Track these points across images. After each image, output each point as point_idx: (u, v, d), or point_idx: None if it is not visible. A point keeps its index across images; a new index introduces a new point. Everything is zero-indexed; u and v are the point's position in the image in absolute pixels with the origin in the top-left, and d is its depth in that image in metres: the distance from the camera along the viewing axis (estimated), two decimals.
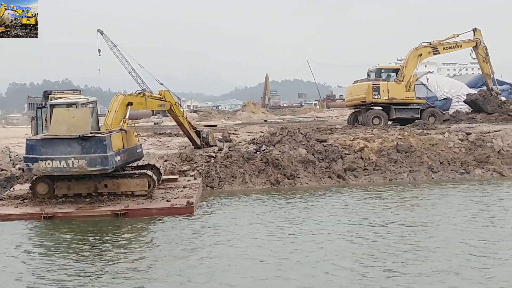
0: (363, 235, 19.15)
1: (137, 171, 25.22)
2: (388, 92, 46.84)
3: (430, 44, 48.76)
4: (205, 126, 48.26)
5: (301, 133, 33.32)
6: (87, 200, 23.93)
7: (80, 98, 27.43)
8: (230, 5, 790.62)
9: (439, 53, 49.60)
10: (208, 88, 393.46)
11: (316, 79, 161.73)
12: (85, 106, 25.33)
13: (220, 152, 32.03)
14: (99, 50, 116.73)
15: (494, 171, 32.13)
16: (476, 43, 49.26)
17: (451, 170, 32.05)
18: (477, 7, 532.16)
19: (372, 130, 38.74)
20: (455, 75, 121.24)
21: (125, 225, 21.29)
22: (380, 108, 47.71)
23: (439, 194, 27.04)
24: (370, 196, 26.78)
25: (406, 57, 49.64)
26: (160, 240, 19.26)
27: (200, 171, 30.44)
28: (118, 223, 21.54)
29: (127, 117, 26.32)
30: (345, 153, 32.28)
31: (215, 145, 34.35)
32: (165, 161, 31.39)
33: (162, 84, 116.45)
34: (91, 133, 22.92)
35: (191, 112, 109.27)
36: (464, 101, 51.41)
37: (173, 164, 31.25)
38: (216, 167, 30.64)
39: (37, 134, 29.04)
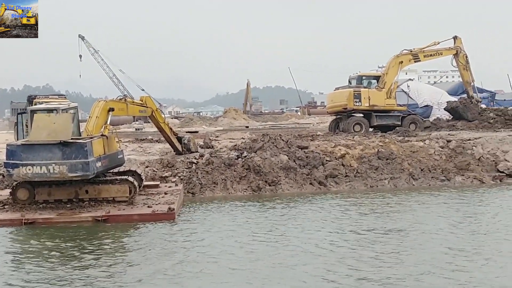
0: (339, 242, 19.16)
1: (118, 177, 25.13)
2: (369, 99, 47.07)
3: (411, 51, 49.08)
4: (186, 132, 48.30)
5: (283, 140, 33.37)
6: (68, 206, 23.81)
7: (62, 104, 27.32)
8: (211, 11, 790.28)
9: (419, 60, 49.98)
10: (189, 94, 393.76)
11: (297, 85, 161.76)
12: (66, 112, 25.22)
13: (202, 158, 32.01)
14: (80, 56, 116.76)
15: (474, 178, 32.28)
16: (457, 50, 49.60)
17: (432, 177, 32.17)
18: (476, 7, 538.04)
19: (353, 137, 38.84)
20: (436, 82, 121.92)
21: (105, 231, 21.21)
22: (361, 115, 47.89)
23: (419, 201, 27.11)
24: (350, 203, 26.81)
25: (387, 64, 49.91)
26: (138, 246, 19.19)
27: (181, 177, 30.40)
28: (99, 229, 21.46)
29: (108, 123, 26.22)
30: (327, 160, 32.34)
31: (197, 151, 34.34)
32: (147, 167, 31.33)
33: (143, 90, 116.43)
34: (72, 139, 22.81)
35: (172, 118, 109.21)
36: (445, 109, 51.78)
37: (154, 170, 31.20)
38: (197, 173, 30.61)
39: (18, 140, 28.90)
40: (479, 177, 32.39)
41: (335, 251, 18.11)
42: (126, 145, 38.66)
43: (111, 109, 26.70)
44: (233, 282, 15.27)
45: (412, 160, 33.07)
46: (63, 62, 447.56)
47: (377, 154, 33.04)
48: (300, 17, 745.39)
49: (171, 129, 34.52)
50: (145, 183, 27.92)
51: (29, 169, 22.25)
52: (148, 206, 23.81)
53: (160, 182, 29.51)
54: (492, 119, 46.82)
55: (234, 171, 30.90)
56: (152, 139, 47.28)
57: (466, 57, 49.87)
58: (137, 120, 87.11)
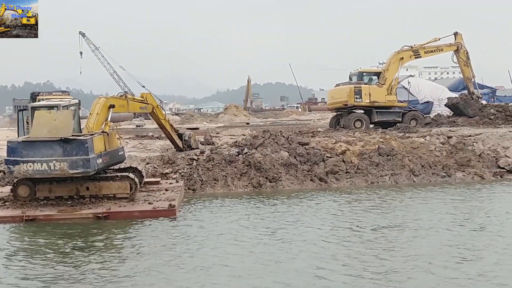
0: (338, 239, 19.12)
1: (119, 174, 25.11)
2: (369, 96, 47.09)
3: (412, 47, 49.02)
4: (187, 128, 48.25)
5: (283, 136, 33.37)
6: (68, 202, 23.79)
7: (62, 101, 27.31)
8: (211, 9, 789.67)
9: (420, 56, 49.89)
10: (190, 91, 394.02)
11: (298, 82, 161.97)
12: (67, 109, 25.23)
13: (202, 155, 32.00)
14: (81, 53, 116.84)
15: (475, 174, 32.28)
16: (457, 47, 49.55)
17: (433, 174, 32.16)
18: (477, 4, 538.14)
19: (354, 133, 38.81)
20: (436, 78, 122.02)
21: (106, 228, 21.20)
22: (362, 111, 47.91)
23: (419, 197, 27.13)
24: (350, 200, 26.79)
25: (387, 60, 49.82)
26: (138, 242, 19.17)
27: (182, 173, 30.40)
28: (99, 226, 21.45)
29: (109, 119, 26.25)
30: (327, 156, 32.33)
31: (197, 148, 34.33)
32: (147, 163, 31.31)
33: (144, 86, 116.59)
34: (72, 135, 22.81)
35: (173, 114, 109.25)
36: (445, 105, 51.81)
37: (155, 167, 31.20)
38: (198, 169, 30.61)
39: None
40: (479, 173, 32.39)
41: (333, 247, 18.08)
42: (126, 142, 38.68)
43: (112, 106, 26.72)
44: (230, 278, 15.27)
45: (412, 156, 33.05)
46: (63, 59, 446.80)
47: (378, 151, 33.02)
48: (301, 14, 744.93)
49: (171, 125, 34.50)
50: (145, 179, 27.91)
51: (30, 166, 22.22)
52: (149, 203, 23.81)
53: (161, 179, 29.53)
54: (492, 115, 46.83)
55: (235, 167, 30.90)
56: (152, 135, 47.30)
57: (467, 53, 49.83)
58: (137, 117, 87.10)
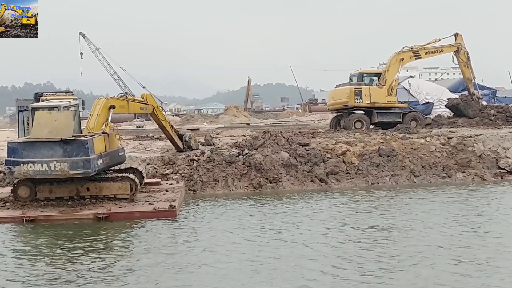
0: (337, 240, 19.14)
1: (119, 175, 25.11)
2: (370, 97, 47.09)
3: (412, 48, 49.03)
4: (187, 129, 48.22)
5: (284, 137, 33.38)
6: (69, 203, 23.79)
7: (63, 101, 27.30)
8: (211, 9, 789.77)
9: (420, 57, 49.89)
10: (190, 92, 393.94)
11: (298, 83, 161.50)
12: (67, 109, 25.24)
13: (203, 156, 32.02)
14: (81, 53, 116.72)
15: (475, 175, 32.29)
16: (458, 47, 49.55)
17: (433, 174, 32.17)
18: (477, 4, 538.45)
19: (354, 134, 38.85)
20: (437, 79, 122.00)
21: (106, 229, 21.20)
22: (362, 112, 47.94)
23: (419, 198, 27.14)
24: (350, 201, 26.81)
25: (388, 61, 49.82)
26: (138, 243, 19.20)
27: (182, 174, 30.42)
28: (100, 227, 21.45)
29: (109, 120, 26.26)
30: (327, 157, 32.35)
31: (198, 149, 34.35)
32: (148, 164, 31.31)
33: (144, 87, 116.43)
34: (73, 136, 22.83)
35: (173, 115, 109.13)
36: (446, 106, 51.79)
37: (155, 168, 31.21)
38: (198, 170, 30.62)
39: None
40: (480, 174, 32.40)
41: (332, 248, 18.11)
42: (127, 143, 38.70)
43: (112, 107, 26.74)
44: (229, 280, 15.28)
45: (413, 157, 33.07)
46: (63, 59, 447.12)
47: (378, 151, 33.04)
48: (302, 14, 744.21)
49: (172, 126, 34.52)
50: (146, 180, 27.91)
51: (30, 167, 22.22)
52: (149, 204, 23.81)
53: (161, 180, 29.54)
54: (493, 116, 46.81)
55: (235, 168, 30.91)
56: (153, 136, 47.36)
57: (467, 54, 49.82)
58: (138, 118, 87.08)
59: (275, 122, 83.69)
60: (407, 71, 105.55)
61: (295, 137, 34.96)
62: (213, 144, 36.97)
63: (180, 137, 34.35)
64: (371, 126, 47.39)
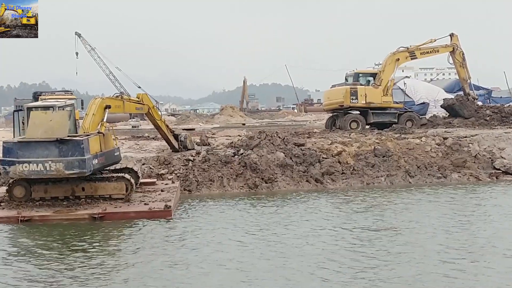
0: (330, 240, 19.20)
1: (114, 175, 25.11)
2: (365, 97, 47.11)
3: (408, 49, 49.01)
4: (183, 129, 48.27)
5: (279, 137, 33.37)
6: (64, 203, 23.79)
7: (58, 101, 27.29)
8: (207, 9, 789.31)
9: (416, 58, 49.91)
10: (186, 92, 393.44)
11: (294, 83, 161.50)
12: (63, 109, 25.22)
13: (198, 156, 32.02)
14: (77, 53, 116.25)
15: (470, 175, 32.33)
16: (453, 48, 49.57)
17: (428, 175, 32.21)
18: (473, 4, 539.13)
19: (349, 134, 38.89)
20: (432, 79, 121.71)
21: (101, 229, 21.21)
22: (358, 112, 47.89)
23: (414, 199, 27.15)
24: (345, 201, 26.83)
25: (383, 61, 49.80)
26: (133, 243, 19.21)
27: (178, 174, 30.42)
28: (95, 227, 21.45)
29: (105, 120, 26.27)
30: (323, 157, 32.36)
31: (193, 149, 34.35)
32: (143, 164, 31.31)
33: (140, 87, 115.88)
34: (68, 136, 22.81)
35: (169, 115, 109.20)
36: (441, 106, 51.75)
37: (151, 168, 31.20)
38: (194, 170, 30.62)
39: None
40: (475, 174, 32.44)
41: (325, 248, 18.11)
42: (122, 143, 38.68)
43: (108, 107, 26.77)
44: (223, 279, 15.32)
45: (408, 157, 33.10)
46: (59, 59, 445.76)
47: (374, 152, 33.06)
48: (297, 14, 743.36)
49: (167, 126, 34.52)
50: (141, 180, 27.91)
51: (26, 167, 22.21)
52: (145, 204, 23.82)
53: (157, 180, 29.53)
54: (488, 116, 46.84)
55: (231, 168, 30.91)
56: (148, 136, 47.37)
57: (463, 54, 49.84)
58: (133, 118, 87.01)
59: (270, 122, 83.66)
60: (402, 71, 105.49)
61: (291, 137, 34.97)
62: (209, 144, 36.97)
63: (176, 137, 34.35)
64: (367, 126, 47.42)
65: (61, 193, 24.08)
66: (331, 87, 52.04)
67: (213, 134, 47.56)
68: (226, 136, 44.39)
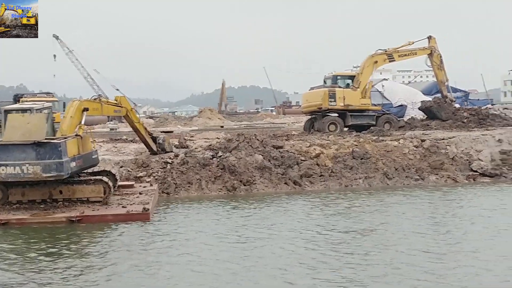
0: (305, 242, 19.24)
1: (92, 177, 25.02)
2: (344, 99, 47.19)
3: (386, 51, 49.18)
4: (161, 132, 48.16)
5: (258, 140, 33.42)
6: (41, 206, 23.69)
7: (36, 104, 27.14)
8: (185, 12, 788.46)
9: (394, 60, 50.10)
10: (164, 94, 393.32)
11: (272, 85, 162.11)
12: (40, 112, 25.09)
13: (176, 158, 31.97)
14: (55, 56, 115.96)
15: (448, 177, 32.51)
16: (431, 50, 49.79)
17: (406, 177, 32.36)
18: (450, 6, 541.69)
19: (328, 137, 38.92)
20: (410, 82, 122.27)
21: (79, 232, 21.13)
22: (336, 114, 48.01)
23: (391, 200, 27.27)
24: (322, 203, 26.90)
25: (361, 64, 49.98)
26: (111, 246, 19.15)
27: (156, 177, 30.37)
28: (73, 230, 21.36)
29: (82, 122, 26.13)
30: (301, 160, 32.43)
31: (171, 151, 34.27)
32: (121, 167, 31.22)
33: (118, 90, 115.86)
34: (46, 139, 22.70)
35: (147, 118, 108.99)
36: (419, 108, 51.95)
37: (129, 170, 31.12)
38: (172, 173, 30.59)
39: None
40: (453, 176, 32.63)
41: (297, 251, 18.14)
42: (100, 145, 38.47)
43: (86, 109, 26.61)
44: (192, 283, 15.35)
45: (386, 159, 33.23)
46: (37, 61, 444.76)
47: (352, 154, 33.17)
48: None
49: (145, 129, 34.43)
50: (119, 183, 27.81)
51: (3, 170, 22.12)
52: (123, 206, 23.75)
53: (135, 182, 29.45)
54: (465, 118, 47.01)
55: (209, 171, 30.90)
56: (126, 139, 47.10)
57: (441, 56, 50.06)
58: (111, 120, 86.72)
59: (249, 124, 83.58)
60: (380, 73, 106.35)
61: (269, 139, 34.97)
62: (187, 146, 36.87)
63: (154, 139, 34.25)
64: (345, 129, 47.56)
65: (39, 196, 23.97)
66: (309, 90, 52.03)
67: (192, 136, 47.39)
68: (204, 138, 44.28)
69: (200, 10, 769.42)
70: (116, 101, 31.14)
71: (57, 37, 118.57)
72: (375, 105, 50.35)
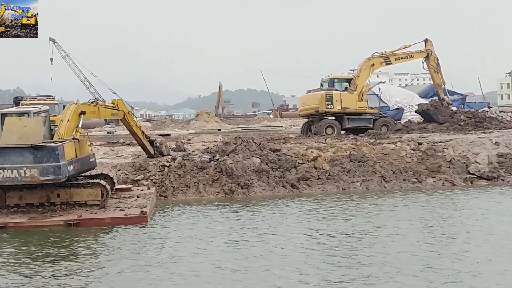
0: (300, 246, 19.18)
1: (90, 181, 24.99)
2: (341, 102, 47.26)
3: (382, 54, 49.19)
4: (158, 135, 48.15)
5: (255, 143, 33.41)
6: (39, 210, 23.64)
7: (33, 107, 27.15)
8: (183, 16, 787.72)
9: (391, 63, 50.06)
10: (161, 97, 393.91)
11: (269, 88, 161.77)
12: (38, 115, 25.08)
13: (174, 162, 31.97)
14: (51, 59, 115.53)
15: (445, 180, 32.50)
16: (428, 53, 49.84)
17: (403, 180, 32.36)
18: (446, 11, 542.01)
19: (325, 140, 38.95)
20: (407, 85, 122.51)
21: (77, 235, 21.08)
22: (333, 117, 48.05)
23: (388, 203, 27.25)
24: (319, 206, 26.77)
25: (358, 67, 49.96)
26: (108, 250, 19.09)
27: (153, 180, 30.36)
28: (70, 233, 21.33)
29: (80, 126, 26.11)
30: (299, 163, 32.43)
31: (169, 155, 34.25)
32: (118, 170, 31.22)
33: (115, 93, 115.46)
34: (43, 142, 22.68)
35: (144, 121, 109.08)
36: (416, 111, 52.03)
37: (126, 174, 31.11)
38: (169, 176, 30.58)
39: None
40: (450, 179, 32.62)
41: (291, 255, 18.08)
42: (98, 149, 38.49)
43: (83, 112, 26.59)
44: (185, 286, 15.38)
45: (383, 162, 33.23)
46: (33, 65, 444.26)
47: (349, 157, 33.17)
48: (275, 17, 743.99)
49: (143, 132, 34.43)
50: (117, 186, 27.83)
51: (0, 173, 22.08)
52: (121, 210, 23.74)
53: (132, 186, 29.45)
54: (462, 121, 47.09)
55: (207, 174, 30.89)
56: (124, 142, 47.13)
57: (437, 59, 50.12)
58: (108, 123, 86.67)
59: (246, 127, 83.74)
60: (377, 76, 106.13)
61: (267, 142, 34.99)
62: (184, 150, 36.88)
63: (151, 143, 34.24)
64: (342, 132, 47.59)
65: (36, 200, 23.93)
66: (306, 93, 52.15)
67: (189, 139, 47.41)
68: (201, 141, 44.31)
69: (200, 10, 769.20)
70: (113, 104, 31.10)
71: (53, 41, 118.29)
72: (372, 108, 50.36)
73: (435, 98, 52.39)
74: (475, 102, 79.18)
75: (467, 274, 15.69)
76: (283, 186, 31.01)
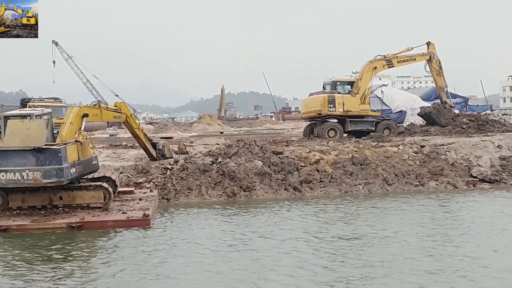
0: (302, 249, 19.18)
1: (92, 183, 25.00)
2: (343, 105, 47.20)
3: (385, 57, 49.19)
4: (161, 138, 48.11)
5: (257, 145, 33.40)
6: (42, 212, 23.68)
7: (35, 110, 27.15)
8: (184, 18, 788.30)
9: (393, 66, 50.08)
10: (163, 100, 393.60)
11: (272, 91, 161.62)
12: (40, 118, 25.09)
13: (176, 164, 31.96)
14: (54, 62, 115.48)
15: (448, 183, 32.48)
16: (430, 56, 49.81)
17: (406, 183, 32.34)
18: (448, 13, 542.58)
19: (327, 143, 38.91)
20: (409, 88, 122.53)
21: (79, 238, 21.10)
22: (336, 120, 48.01)
23: (391, 206, 27.22)
24: (321, 209, 26.75)
25: (361, 70, 49.99)
26: (110, 253, 19.10)
27: (156, 183, 30.36)
28: (73, 236, 21.34)
29: (82, 128, 26.12)
30: (301, 165, 32.42)
31: (171, 157, 34.24)
32: (121, 173, 31.23)
33: (117, 95, 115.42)
34: (46, 145, 22.69)
35: (146, 124, 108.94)
36: (418, 114, 51.90)
37: (128, 176, 31.11)
38: (172, 179, 30.57)
39: None
40: (452, 182, 32.60)
41: (293, 257, 18.12)
42: (100, 151, 38.46)
43: (85, 115, 26.60)
44: None
45: (386, 165, 33.21)
46: (36, 67, 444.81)
47: (352, 160, 33.16)
48: (275, 17, 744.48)
49: (145, 135, 34.42)
50: (119, 189, 27.81)
51: (3, 176, 22.10)
52: (123, 212, 23.74)
53: (135, 188, 29.44)
54: (465, 124, 47.01)
55: (209, 176, 30.89)
56: (126, 145, 47.08)
57: (440, 62, 50.09)
58: (111, 126, 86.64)
59: (248, 130, 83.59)
60: (380, 79, 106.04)
61: (269, 145, 34.93)
62: (187, 152, 36.85)
63: (154, 145, 34.23)
64: (345, 135, 47.53)
65: (39, 202, 23.95)
66: (309, 95, 52.03)
67: (191, 142, 47.39)
68: (204, 144, 44.28)
69: (200, 10, 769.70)
70: (116, 107, 31.11)
71: (56, 43, 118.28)
72: (374, 111, 50.30)
73: (438, 101, 52.35)
74: (477, 105, 79.11)
75: (467, 277, 15.73)
76: (285, 189, 31.00)
